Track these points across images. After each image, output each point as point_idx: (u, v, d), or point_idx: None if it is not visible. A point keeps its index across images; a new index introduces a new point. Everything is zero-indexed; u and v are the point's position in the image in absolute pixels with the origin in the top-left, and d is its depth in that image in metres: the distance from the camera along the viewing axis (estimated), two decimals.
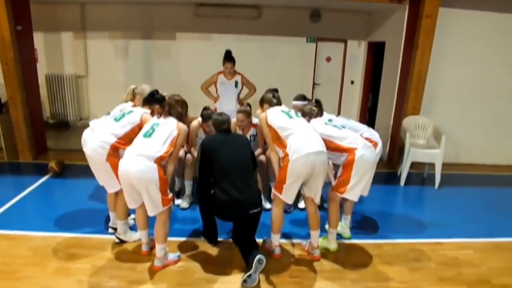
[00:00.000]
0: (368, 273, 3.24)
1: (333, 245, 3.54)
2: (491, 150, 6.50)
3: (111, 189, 3.38)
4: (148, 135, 3.06)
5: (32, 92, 5.86)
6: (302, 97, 4.27)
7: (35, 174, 5.20)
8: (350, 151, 3.25)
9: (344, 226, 3.79)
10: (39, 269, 3.08)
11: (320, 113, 3.77)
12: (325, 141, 3.26)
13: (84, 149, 3.33)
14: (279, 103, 3.59)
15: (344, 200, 3.52)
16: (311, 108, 3.75)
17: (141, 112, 3.41)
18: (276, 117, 3.33)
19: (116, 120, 3.36)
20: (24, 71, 5.57)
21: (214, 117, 3.48)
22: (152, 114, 3.46)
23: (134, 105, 3.66)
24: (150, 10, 7.24)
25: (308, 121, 3.58)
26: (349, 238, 3.78)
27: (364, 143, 3.31)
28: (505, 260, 3.56)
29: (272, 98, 3.58)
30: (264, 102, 3.62)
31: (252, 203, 3.07)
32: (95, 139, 3.24)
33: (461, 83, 6.13)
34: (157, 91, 3.60)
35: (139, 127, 3.29)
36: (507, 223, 4.35)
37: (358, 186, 3.28)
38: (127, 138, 3.25)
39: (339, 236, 3.74)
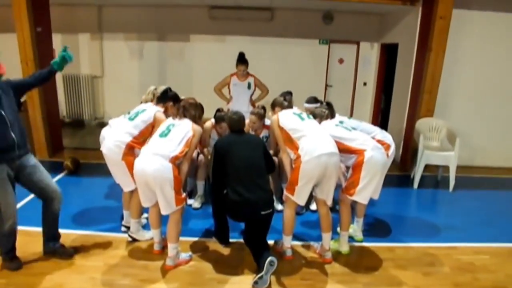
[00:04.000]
0: (381, 277, 3.21)
1: (345, 248, 3.52)
2: (507, 153, 6.40)
3: (126, 188, 3.43)
4: (164, 135, 3.10)
5: (49, 92, 5.97)
6: (314, 100, 4.26)
7: (50, 172, 5.14)
8: (359, 152, 3.24)
9: (356, 228, 3.77)
10: (54, 266, 3.13)
11: (331, 115, 3.76)
12: (335, 142, 3.26)
13: (101, 148, 3.40)
14: (290, 106, 3.61)
15: (355, 202, 3.50)
16: (322, 110, 3.74)
17: (154, 110, 3.45)
18: (288, 119, 3.34)
19: (131, 119, 3.41)
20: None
21: (229, 115, 3.48)
22: (166, 112, 3.49)
23: None
24: (164, 13, 7.31)
25: (319, 123, 3.58)
26: (361, 241, 3.75)
27: (374, 145, 3.29)
28: None
29: (283, 101, 3.62)
30: (276, 105, 3.66)
31: (264, 204, 3.07)
32: (111, 139, 3.32)
33: (475, 85, 6.05)
34: (170, 89, 3.64)
35: (152, 125, 3.33)
36: None
37: (367, 188, 3.26)
38: (142, 137, 3.32)
39: (351, 238, 3.71)
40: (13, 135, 2.84)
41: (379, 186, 3.38)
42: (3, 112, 2.80)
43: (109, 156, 3.31)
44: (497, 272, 3.35)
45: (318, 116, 3.69)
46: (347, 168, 3.62)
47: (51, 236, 3.25)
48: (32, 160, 3.09)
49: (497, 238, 3.96)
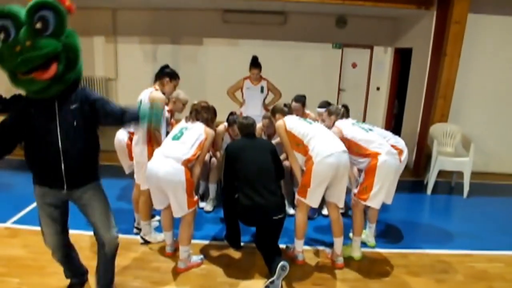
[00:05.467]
0: (393, 284, 3.17)
1: (357, 253, 3.49)
2: None
3: (127, 170, 3.87)
4: (176, 138, 3.12)
5: None
6: (327, 103, 4.25)
7: None
8: (373, 156, 3.22)
9: (368, 234, 3.73)
10: None
11: (347, 116, 3.74)
12: (349, 143, 3.25)
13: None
14: (290, 112, 3.63)
15: (367, 207, 3.47)
16: (338, 107, 3.73)
17: (148, 92, 3.35)
18: (295, 123, 3.35)
19: None
20: None
21: (240, 120, 3.50)
22: (163, 88, 3.39)
23: (170, 110, 3.74)
24: (178, 16, 7.37)
25: (335, 120, 3.57)
26: (374, 247, 3.72)
27: (388, 149, 3.27)
28: None
29: (283, 108, 3.66)
30: (277, 112, 3.67)
31: (276, 208, 3.06)
32: (120, 132, 3.78)
33: (490, 91, 5.97)
34: (167, 66, 3.55)
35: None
36: None
37: (381, 193, 3.23)
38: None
39: (364, 244, 3.68)
40: (62, 165, 2.27)
41: (392, 191, 3.36)
42: (57, 132, 2.22)
43: (117, 146, 3.77)
44: None
45: (334, 113, 3.67)
46: (359, 171, 3.60)
47: (101, 285, 2.75)
48: (88, 194, 2.48)
49: None
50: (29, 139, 2.29)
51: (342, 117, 3.67)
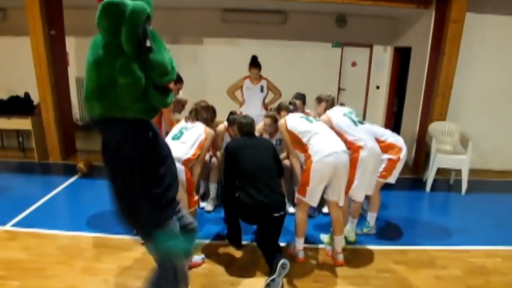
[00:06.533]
0: (393, 280, 3.20)
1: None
2: None
3: None
4: (176, 137, 3.13)
5: (63, 94, 6.06)
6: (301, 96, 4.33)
7: (64, 174, 5.37)
8: (355, 149, 3.27)
9: (349, 229, 3.74)
10: (67, 268, 3.16)
11: (341, 104, 3.79)
12: (337, 133, 3.29)
13: None
14: (295, 110, 3.66)
15: (352, 201, 3.53)
16: (327, 94, 3.75)
17: None
18: (296, 122, 3.37)
19: None
20: (56, 74, 5.76)
21: (239, 120, 3.52)
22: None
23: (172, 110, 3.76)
24: (177, 15, 7.37)
25: (326, 107, 3.60)
26: (354, 242, 3.74)
27: (372, 145, 3.33)
28: None
29: (289, 105, 3.69)
30: (282, 109, 3.73)
31: (276, 206, 3.08)
32: None
33: (489, 89, 5.99)
34: None
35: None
36: None
37: (361, 187, 3.31)
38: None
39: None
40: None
41: (372, 184, 3.44)
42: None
43: None
44: (510, 275, 3.34)
45: (323, 100, 3.70)
46: None
47: None
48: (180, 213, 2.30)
49: (509, 241, 3.93)
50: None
51: (332, 105, 3.68)
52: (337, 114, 3.51)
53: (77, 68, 7.52)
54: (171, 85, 1.83)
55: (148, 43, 1.64)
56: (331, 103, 3.68)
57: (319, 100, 3.72)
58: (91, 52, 1.70)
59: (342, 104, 3.83)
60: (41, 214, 4.14)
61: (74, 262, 3.24)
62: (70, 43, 6.97)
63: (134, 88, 1.66)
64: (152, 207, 1.91)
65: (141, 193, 1.86)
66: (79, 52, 7.49)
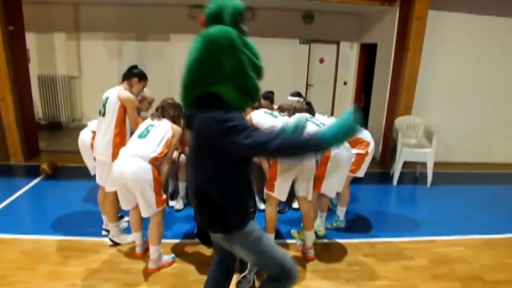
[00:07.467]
0: (363, 272, 3.26)
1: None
2: (482, 149, 6.60)
3: (92, 171, 3.64)
4: (143, 135, 3.06)
5: (24, 93, 5.82)
6: (297, 94, 4.43)
7: (26, 176, 5.16)
8: None
9: (319, 224, 3.80)
10: (31, 273, 3.04)
11: (311, 114, 3.79)
12: None
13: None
14: (260, 106, 3.68)
15: (320, 196, 3.58)
16: (288, 104, 3.83)
17: (117, 90, 3.27)
18: (261, 117, 3.39)
19: (103, 115, 3.29)
20: (16, 72, 5.52)
21: None
22: (131, 89, 3.32)
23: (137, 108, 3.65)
24: (144, 11, 7.23)
25: (288, 116, 3.65)
26: (324, 236, 3.80)
27: None
28: (495, 256, 3.62)
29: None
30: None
31: None
32: (84, 132, 3.65)
33: (451, 84, 6.21)
34: (136, 66, 3.46)
35: (123, 106, 3.21)
36: (496, 219, 4.42)
37: (333, 183, 3.36)
38: (120, 124, 3.24)
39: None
40: None
41: (343, 181, 3.49)
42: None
43: (81, 145, 3.63)
44: (472, 263, 3.47)
45: (285, 110, 3.75)
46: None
47: None
48: None
49: (472, 230, 4.10)
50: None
51: (294, 112, 3.69)
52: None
53: (38, 65, 7.26)
54: None
55: None
56: (292, 111, 3.70)
57: (281, 109, 3.75)
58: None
59: (307, 103, 3.84)
60: (3, 218, 3.97)
61: (38, 267, 3.12)
62: (31, 39, 6.73)
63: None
64: None
65: None
66: (41, 49, 7.22)
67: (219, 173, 1.81)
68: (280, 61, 7.76)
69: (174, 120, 3.30)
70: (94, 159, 3.41)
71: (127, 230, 3.65)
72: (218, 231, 1.93)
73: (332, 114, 7.58)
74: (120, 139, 3.21)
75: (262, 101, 4.35)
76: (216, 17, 1.79)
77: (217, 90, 1.77)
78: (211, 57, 1.75)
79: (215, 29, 1.74)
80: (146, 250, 3.31)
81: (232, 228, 1.89)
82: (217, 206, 1.84)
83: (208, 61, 1.76)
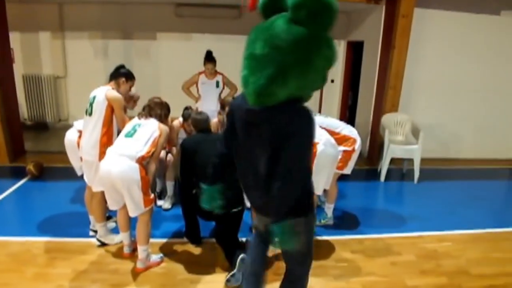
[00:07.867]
0: (351, 268, 3.29)
1: None
2: (467, 145, 6.70)
3: (78, 171, 3.60)
4: (130, 135, 3.04)
5: (8, 93, 5.72)
6: None
7: (12, 178, 5.08)
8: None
9: None
10: (17, 276, 3.00)
11: None
12: None
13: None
14: None
15: None
16: None
17: (104, 90, 3.25)
18: None
19: (89, 114, 3.26)
20: (0, 71, 5.44)
21: (193, 116, 3.48)
22: (118, 89, 3.31)
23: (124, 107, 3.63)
24: (129, 10, 7.16)
25: None
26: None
27: (326, 139, 3.38)
28: (482, 250, 3.68)
29: (233, 101, 3.70)
30: (226, 105, 3.77)
31: (234, 202, 3.07)
32: (70, 132, 3.61)
33: (437, 81, 6.28)
34: (123, 66, 3.47)
35: (110, 105, 3.19)
36: (482, 214, 4.49)
37: (320, 180, 3.35)
38: (107, 124, 3.22)
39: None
40: None
41: (330, 178, 3.50)
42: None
43: (68, 146, 3.57)
44: (459, 258, 3.53)
45: None
46: None
47: None
48: None
49: (458, 225, 4.16)
50: None
51: None
52: None
53: (23, 64, 7.14)
54: None
55: None
56: None
57: None
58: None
59: None
60: None
61: (25, 269, 3.08)
62: (15, 38, 6.62)
63: None
64: None
65: None
66: (25, 48, 7.11)
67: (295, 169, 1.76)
68: None
69: (161, 119, 3.30)
70: (81, 159, 3.38)
71: (115, 230, 3.62)
72: (302, 215, 1.92)
73: (320, 112, 7.61)
74: (107, 139, 3.19)
75: None
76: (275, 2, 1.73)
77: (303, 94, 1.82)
78: (321, 64, 1.74)
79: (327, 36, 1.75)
80: (134, 250, 3.29)
81: (309, 208, 1.99)
82: (301, 192, 1.84)
83: (319, 67, 1.73)
